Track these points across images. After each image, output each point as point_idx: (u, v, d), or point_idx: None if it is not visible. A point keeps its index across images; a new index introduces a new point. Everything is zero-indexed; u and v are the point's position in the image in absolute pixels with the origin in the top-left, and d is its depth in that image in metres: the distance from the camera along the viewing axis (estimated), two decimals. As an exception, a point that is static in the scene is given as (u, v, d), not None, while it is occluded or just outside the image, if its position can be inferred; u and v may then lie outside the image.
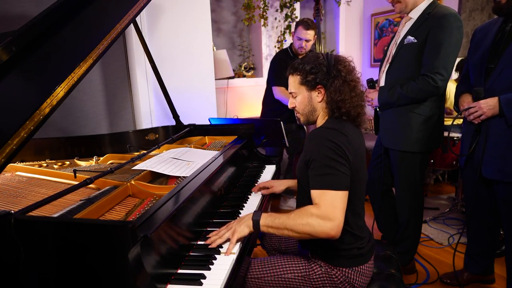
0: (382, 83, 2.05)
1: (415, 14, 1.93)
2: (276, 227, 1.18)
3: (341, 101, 1.26)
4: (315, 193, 1.16)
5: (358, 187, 1.26)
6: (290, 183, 1.66)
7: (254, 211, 1.25)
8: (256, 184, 1.80)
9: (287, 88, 2.78)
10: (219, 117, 2.93)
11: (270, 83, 2.95)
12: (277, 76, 2.86)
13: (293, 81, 1.33)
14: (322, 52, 2.87)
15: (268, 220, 1.19)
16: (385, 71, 2.03)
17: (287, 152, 3.20)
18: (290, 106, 1.38)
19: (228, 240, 1.20)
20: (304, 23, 2.77)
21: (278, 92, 2.85)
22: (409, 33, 1.92)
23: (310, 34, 2.78)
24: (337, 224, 1.10)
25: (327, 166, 1.15)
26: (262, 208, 1.59)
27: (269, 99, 2.99)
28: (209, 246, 1.18)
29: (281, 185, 1.66)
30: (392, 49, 2.01)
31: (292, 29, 4.02)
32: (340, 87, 1.26)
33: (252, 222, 1.21)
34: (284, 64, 2.82)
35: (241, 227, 1.20)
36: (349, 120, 1.29)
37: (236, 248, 1.18)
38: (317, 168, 1.17)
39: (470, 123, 1.82)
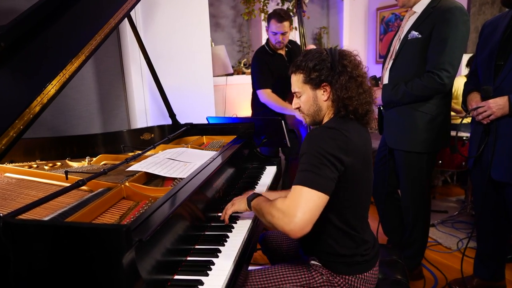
0: (385, 80, 2.05)
1: (419, 8, 1.93)
2: (257, 210, 1.26)
3: (348, 98, 1.24)
4: (292, 188, 1.15)
5: (361, 189, 1.26)
6: (278, 195, 1.53)
7: (253, 192, 1.38)
8: (256, 187, 1.80)
9: (272, 91, 2.74)
10: (218, 116, 2.93)
11: (254, 86, 2.86)
12: (260, 79, 2.77)
13: (296, 80, 1.32)
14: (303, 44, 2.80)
15: (255, 203, 1.30)
16: (388, 68, 2.03)
17: (283, 153, 3.18)
18: (294, 106, 1.37)
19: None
20: (277, 16, 2.65)
21: (264, 95, 2.75)
22: (413, 28, 1.92)
23: (285, 25, 2.66)
24: (294, 221, 1.07)
25: (310, 164, 1.14)
26: None
27: (258, 102, 2.88)
28: (221, 218, 1.40)
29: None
30: (396, 45, 2.01)
31: (295, 24, 4.02)
32: (347, 84, 1.24)
33: (246, 201, 1.35)
34: (264, 64, 2.73)
35: (240, 202, 1.38)
36: (356, 119, 1.28)
37: (235, 253, 1.19)
38: (302, 164, 1.17)
39: (478, 123, 1.82)
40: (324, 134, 1.20)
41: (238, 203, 1.39)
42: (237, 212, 1.46)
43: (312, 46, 2.77)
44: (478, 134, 1.84)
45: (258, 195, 1.34)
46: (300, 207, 1.08)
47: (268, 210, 1.17)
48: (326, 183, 1.12)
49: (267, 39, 2.83)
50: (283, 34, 2.69)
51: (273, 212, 1.13)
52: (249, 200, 1.33)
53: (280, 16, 2.64)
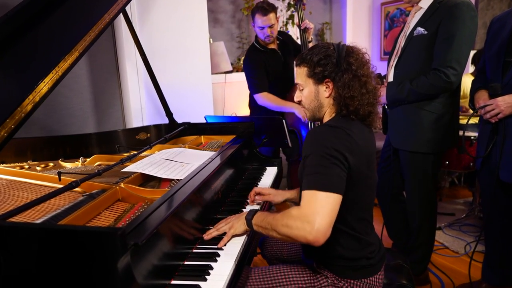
0: (390, 78, 2.05)
1: (425, 4, 1.93)
2: (264, 227, 1.22)
3: (349, 98, 1.24)
4: (303, 194, 1.14)
5: (364, 191, 1.26)
6: (289, 195, 1.62)
7: (250, 209, 1.31)
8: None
9: (271, 89, 2.73)
10: (216, 115, 2.93)
11: (250, 90, 2.85)
12: (255, 84, 2.74)
13: (300, 73, 1.32)
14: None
15: (258, 220, 1.25)
16: (393, 66, 2.03)
17: (284, 153, 3.18)
18: (296, 99, 1.38)
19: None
20: (260, 9, 2.59)
21: (261, 99, 2.74)
22: (419, 24, 1.92)
23: (271, 18, 2.60)
24: (316, 228, 1.05)
25: (319, 166, 1.14)
26: (264, 209, 1.59)
27: (256, 103, 2.87)
28: (204, 238, 1.28)
29: (278, 196, 1.61)
30: (401, 42, 2.01)
31: (294, 19, 4.02)
32: (350, 82, 1.24)
33: (245, 220, 1.28)
34: (258, 65, 2.70)
35: (239, 223, 1.29)
36: (358, 120, 1.28)
37: (234, 257, 1.19)
38: (309, 167, 1.16)
39: (486, 122, 1.82)
40: (327, 133, 1.20)
41: (238, 225, 1.29)
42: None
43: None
44: (486, 134, 1.84)
45: (256, 211, 1.30)
46: (319, 213, 1.07)
47: (281, 222, 1.13)
48: (339, 183, 1.13)
49: (256, 36, 2.79)
50: (271, 27, 2.64)
51: (290, 223, 1.10)
52: (248, 220, 1.27)
53: (264, 9, 2.59)
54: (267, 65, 2.74)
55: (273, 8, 2.64)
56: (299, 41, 2.89)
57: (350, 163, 1.17)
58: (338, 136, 1.18)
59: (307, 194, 1.12)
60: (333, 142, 1.16)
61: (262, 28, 2.64)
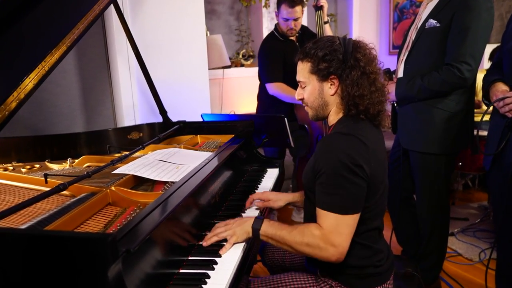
0: (400, 74, 2.05)
1: None
2: (276, 240, 1.25)
3: (359, 96, 1.25)
4: (320, 212, 1.19)
5: (377, 199, 1.26)
6: (291, 198, 1.62)
7: (255, 217, 1.31)
8: (256, 191, 1.80)
9: (284, 81, 2.75)
10: (213, 113, 2.93)
11: (262, 79, 2.90)
12: (270, 71, 2.80)
13: (303, 68, 1.32)
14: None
15: (268, 231, 1.26)
16: (403, 60, 2.03)
17: (290, 153, 3.18)
18: (297, 97, 1.38)
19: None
20: (288, 0, 2.65)
21: (273, 89, 2.79)
22: (431, 16, 1.92)
23: (297, 11, 2.68)
24: (340, 251, 1.16)
25: (336, 185, 1.17)
26: (264, 215, 1.59)
27: (266, 95, 2.91)
28: (203, 244, 1.27)
29: (279, 201, 1.60)
30: (412, 35, 2.01)
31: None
32: (358, 80, 1.25)
33: (252, 229, 1.27)
34: (274, 54, 2.76)
35: (242, 231, 1.28)
36: (367, 119, 1.29)
37: (233, 265, 1.19)
38: (326, 185, 1.18)
39: (501, 117, 1.80)
40: (341, 143, 1.20)
41: (240, 233, 1.28)
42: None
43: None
44: (499, 129, 1.81)
45: (263, 220, 1.29)
46: (342, 236, 1.17)
47: (301, 240, 1.19)
48: (358, 203, 1.19)
49: (276, 25, 2.86)
50: (296, 20, 2.71)
51: (312, 243, 1.18)
52: (256, 229, 1.27)
53: (291, 0, 2.65)
54: (285, 56, 2.78)
55: (301, 1, 2.70)
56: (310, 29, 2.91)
57: (368, 174, 1.18)
58: (353, 146, 1.19)
59: (327, 216, 1.18)
60: (349, 155, 1.16)
61: (287, 20, 2.71)
